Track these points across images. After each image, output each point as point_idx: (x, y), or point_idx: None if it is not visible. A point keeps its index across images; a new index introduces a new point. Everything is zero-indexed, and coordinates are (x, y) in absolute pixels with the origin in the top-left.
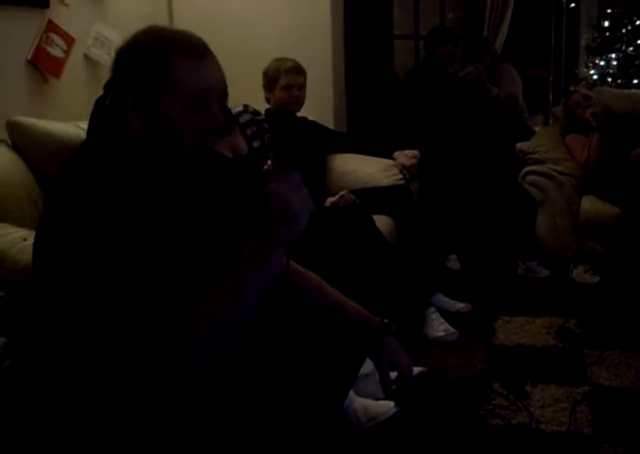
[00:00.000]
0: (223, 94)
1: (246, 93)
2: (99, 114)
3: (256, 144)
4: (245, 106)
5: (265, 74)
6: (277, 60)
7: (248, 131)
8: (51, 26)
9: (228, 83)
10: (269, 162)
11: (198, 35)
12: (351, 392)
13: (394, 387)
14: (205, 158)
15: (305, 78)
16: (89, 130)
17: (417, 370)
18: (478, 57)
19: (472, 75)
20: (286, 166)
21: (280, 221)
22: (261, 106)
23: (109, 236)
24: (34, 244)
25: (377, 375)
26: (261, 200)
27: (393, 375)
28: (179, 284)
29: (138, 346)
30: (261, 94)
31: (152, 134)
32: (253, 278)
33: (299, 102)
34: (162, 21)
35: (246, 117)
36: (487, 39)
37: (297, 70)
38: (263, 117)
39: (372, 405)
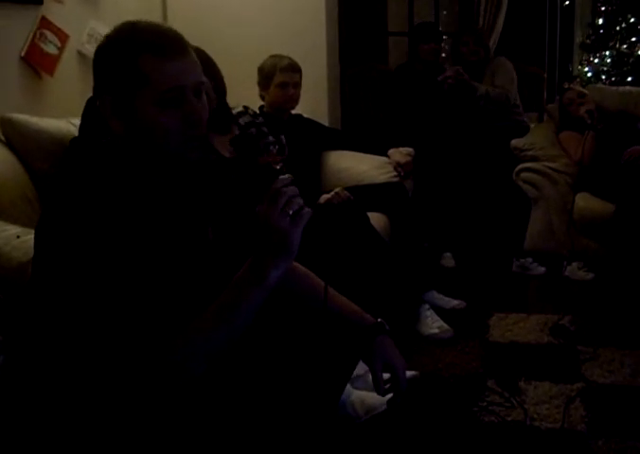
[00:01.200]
0: (219, 89)
1: (239, 89)
2: (90, 114)
3: None
4: (246, 107)
5: (260, 70)
6: (273, 57)
7: None
8: (45, 23)
9: None
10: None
11: (182, 29)
12: (348, 386)
13: (387, 386)
14: (193, 158)
15: (300, 77)
16: (80, 131)
17: (409, 374)
18: (472, 49)
19: (451, 79)
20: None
21: (271, 245)
22: (255, 102)
23: (107, 239)
24: (35, 245)
25: (369, 376)
26: (255, 222)
27: (386, 375)
28: (181, 285)
29: (128, 352)
30: (255, 90)
31: (133, 135)
32: (251, 294)
33: (294, 100)
34: (156, 18)
35: (246, 119)
36: (481, 30)
37: (293, 68)
38: (263, 121)
39: (369, 397)
